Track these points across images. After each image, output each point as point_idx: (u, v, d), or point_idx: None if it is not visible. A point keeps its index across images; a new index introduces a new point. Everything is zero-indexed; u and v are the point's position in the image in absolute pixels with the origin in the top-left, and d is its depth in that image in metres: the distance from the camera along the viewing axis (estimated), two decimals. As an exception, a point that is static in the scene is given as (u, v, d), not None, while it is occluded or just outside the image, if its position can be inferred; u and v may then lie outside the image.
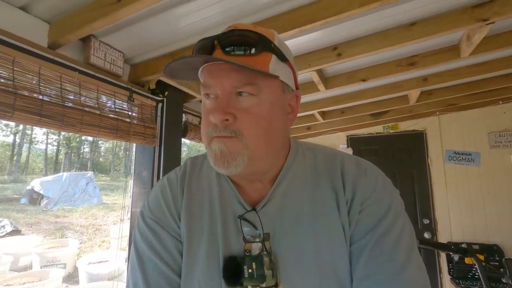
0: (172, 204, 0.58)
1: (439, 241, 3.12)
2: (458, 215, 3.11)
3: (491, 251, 2.92)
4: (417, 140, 3.41)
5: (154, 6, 1.16)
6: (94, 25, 1.14)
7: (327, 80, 2.10)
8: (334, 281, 0.48)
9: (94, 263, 4.17)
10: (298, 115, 2.35)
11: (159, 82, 1.74)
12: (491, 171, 3.08)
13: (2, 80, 0.98)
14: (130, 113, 1.51)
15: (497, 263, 2.84)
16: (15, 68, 1.02)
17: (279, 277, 0.50)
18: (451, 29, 1.41)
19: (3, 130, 23.31)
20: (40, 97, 1.08)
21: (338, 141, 3.69)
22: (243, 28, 0.51)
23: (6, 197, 10.43)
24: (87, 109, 1.26)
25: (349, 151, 3.10)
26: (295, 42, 1.56)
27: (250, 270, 0.50)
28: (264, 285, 0.50)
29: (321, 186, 0.55)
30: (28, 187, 9.89)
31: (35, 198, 9.27)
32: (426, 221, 3.22)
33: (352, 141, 3.68)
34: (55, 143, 26.98)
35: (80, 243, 5.52)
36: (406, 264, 0.47)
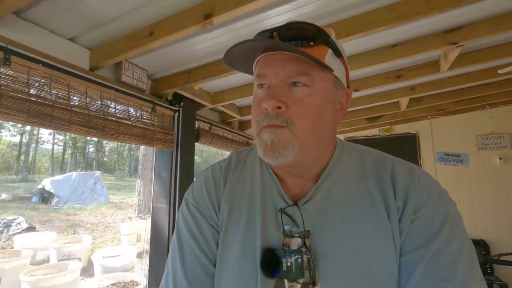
0: (214, 194, 0.60)
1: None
2: (448, 212, 3.35)
3: (477, 246, 3.15)
4: (410, 142, 3.65)
5: (178, 37, 1.42)
6: (129, 53, 1.40)
7: (324, 90, 2.35)
8: (374, 285, 0.46)
9: (108, 257, 4.46)
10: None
11: (175, 94, 2.01)
12: (479, 171, 3.31)
13: (61, 100, 1.24)
14: (153, 122, 1.77)
15: (484, 256, 3.08)
16: (70, 90, 1.28)
17: (317, 274, 0.48)
18: (428, 50, 1.66)
19: (9, 131, 23.78)
20: (87, 112, 1.35)
21: (336, 143, 3.93)
22: (301, 21, 0.52)
23: (18, 196, 10.80)
24: (120, 120, 1.52)
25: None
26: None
27: (288, 264, 0.49)
28: (301, 280, 0.48)
29: (368, 187, 0.53)
30: (39, 186, 10.26)
31: (46, 197, 9.63)
32: (418, 218, 3.45)
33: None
34: (61, 143, 27.44)
35: (92, 239, 5.82)
36: (466, 285, 0.43)
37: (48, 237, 5.56)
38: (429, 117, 3.48)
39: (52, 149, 26.27)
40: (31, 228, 6.35)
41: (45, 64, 1.20)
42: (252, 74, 0.56)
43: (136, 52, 1.40)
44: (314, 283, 0.47)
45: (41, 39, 1.25)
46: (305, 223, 0.51)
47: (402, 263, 0.47)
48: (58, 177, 10.94)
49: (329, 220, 0.51)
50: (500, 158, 3.20)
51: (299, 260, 0.49)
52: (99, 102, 1.44)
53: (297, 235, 0.51)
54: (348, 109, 2.84)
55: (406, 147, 3.66)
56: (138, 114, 1.67)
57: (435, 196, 0.50)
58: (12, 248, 5.21)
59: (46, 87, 1.20)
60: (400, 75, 2.12)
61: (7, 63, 1.06)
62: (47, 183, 9.87)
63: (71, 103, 1.27)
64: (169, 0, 1.21)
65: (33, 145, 26.46)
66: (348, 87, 0.58)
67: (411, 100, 2.84)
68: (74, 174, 10.47)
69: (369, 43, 1.72)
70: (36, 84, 1.18)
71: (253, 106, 0.54)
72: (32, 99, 1.12)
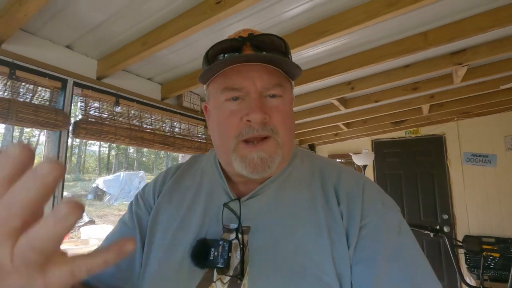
0: (158, 184, 0.64)
1: (458, 234, 3.49)
2: (475, 211, 3.45)
3: (506, 243, 3.23)
4: (437, 143, 3.77)
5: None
6: (189, 88, 1.86)
7: (346, 102, 2.66)
8: (304, 285, 0.45)
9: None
10: (325, 125, 2.95)
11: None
12: (507, 171, 3.37)
13: (147, 126, 1.73)
14: (205, 135, 2.23)
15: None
16: (152, 118, 1.77)
17: (246, 269, 0.48)
18: (436, 70, 1.92)
19: (64, 135, 26.47)
20: (163, 133, 1.83)
21: (363, 145, 4.15)
22: (262, 33, 0.54)
23: (75, 193, 12.27)
24: (183, 137, 1.99)
25: (371, 155, 3.55)
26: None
27: (215, 254, 0.49)
28: (230, 273, 0.48)
29: (313, 191, 0.54)
30: (94, 185, 11.59)
31: (99, 195, 10.88)
32: (445, 216, 3.59)
33: (376, 145, 4.13)
34: (106, 145, 29.95)
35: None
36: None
37: (107, 229, 6.43)
38: (456, 119, 3.58)
39: (99, 150, 28.77)
40: (91, 222, 7.33)
41: (138, 102, 1.70)
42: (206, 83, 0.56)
43: (195, 87, 1.85)
44: (241, 278, 0.47)
45: (134, 83, 1.76)
46: (246, 219, 0.52)
47: (354, 271, 0.46)
48: (109, 176, 12.24)
49: (271, 219, 0.52)
50: (530, 158, 3.24)
51: (227, 251, 0.49)
52: (169, 124, 1.92)
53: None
54: (373, 116, 3.12)
55: (432, 148, 3.79)
56: (195, 130, 2.13)
57: (379, 203, 0.51)
58: (80, 238, 6.12)
59: (137, 118, 1.70)
60: (416, 87, 2.36)
61: (117, 104, 1.57)
62: (100, 182, 11.13)
63: (152, 127, 1.76)
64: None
65: (83, 147, 29.20)
66: None
67: (433, 105, 3.02)
68: (122, 174, 11.66)
69: (385, 65, 2.01)
70: (132, 115, 1.68)
71: (222, 119, 0.52)
72: (132, 128, 1.62)
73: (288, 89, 0.55)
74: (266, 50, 0.52)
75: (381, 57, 1.66)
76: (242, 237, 0.50)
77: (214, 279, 0.49)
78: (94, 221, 7.45)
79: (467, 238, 1.79)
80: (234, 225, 0.52)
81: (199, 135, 2.16)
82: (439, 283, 0.46)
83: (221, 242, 0.50)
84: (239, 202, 0.54)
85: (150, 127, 1.75)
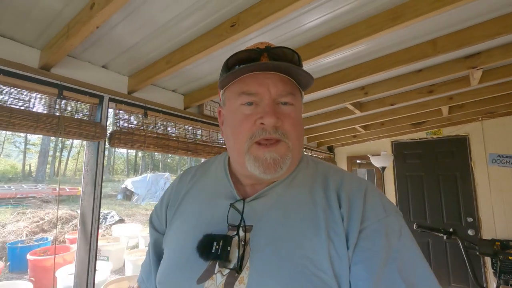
0: (176, 186, 0.72)
1: (483, 237, 3.38)
2: (502, 214, 3.32)
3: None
4: (460, 144, 3.66)
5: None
6: (210, 98, 2.01)
7: (362, 106, 2.70)
8: (301, 284, 0.47)
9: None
10: (342, 128, 3.00)
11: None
12: (537, 173, 3.22)
13: (171, 134, 1.91)
14: (224, 141, 2.38)
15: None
16: (176, 127, 1.95)
17: (248, 264, 0.51)
18: (450, 73, 1.93)
19: (95, 138, 28.05)
20: (186, 140, 2.00)
21: (382, 147, 4.12)
22: (276, 46, 0.58)
23: (107, 193, 13.03)
24: (204, 143, 2.15)
25: (390, 157, 3.54)
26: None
27: (217, 247, 0.53)
28: (230, 266, 0.52)
29: (315, 195, 0.56)
30: (123, 186, 12.28)
31: (128, 195, 11.50)
32: (470, 220, 3.49)
33: (396, 146, 4.09)
34: (133, 148, 31.35)
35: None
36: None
37: (136, 227, 6.82)
38: (480, 119, 3.47)
39: (127, 153, 30.16)
40: (121, 220, 7.79)
41: (164, 112, 1.88)
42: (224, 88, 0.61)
43: (215, 97, 2.01)
44: (239, 271, 0.50)
45: (160, 95, 1.95)
46: (249, 219, 0.56)
47: (353, 272, 0.48)
48: (136, 178, 12.89)
49: (273, 219, 0.55)
50: None
51: (226, 245, 0.53)
52: (192, 131, 2.09)
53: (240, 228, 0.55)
54: (390, 118, 3.11)
55: (455, 149, 3.69)
56: (215, 136, 2.29)
57: (380, 207, 0.53)
58: (111, 235, 6.55)
59: (163, 126, 1.88)
60: (432, 90, 2.36)
61: (146, 115, 1.75)
62: (128, 183, 11.76)
63: (176, 135, 1.93)
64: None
65: (112, 149, 30.78)
66: None
67: (453, 106, 2.97)
68: (148, 175, 12.23)
69: (397, 70, 2.05)
70: (159, 124, 1.86)
71: (237, 122, 0.56)
72: (159, 136, 1.80)
73: (299, 99, 0.59)
74: (282, 61, 0.55)
75: (391, 65, 1.72)
76: (245, 234, 0.54)
77: (215, 271, 0.52)
78: (124, 220, 7.92)
79: (481, 241, 1.79)
80: (238, 220, 0.56)
81: (219, 141, 2.32)
82: (439, 287, 0.46)
83: (222, 237, 0.54)
84: (243, 202, 0.58)
85: (174, 134, 1.93)
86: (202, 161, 0.80)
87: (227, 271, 0.52)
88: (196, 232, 0.58)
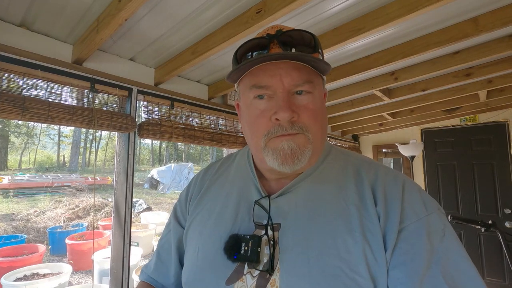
0: (199, 181, 0.71)
1: (523, 230, 3.18)
2: (546, 206, 3.09)
3: None
4: (498, 131, 3.42)
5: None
6: (234, 88, 2.00)
7: (391, 92, 2.58)
8: (334, 285, 0.45)
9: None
10: (369, 116, 2.89)
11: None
12: None
13: (196, 124, 1.93)
14: (248, 131, 2.38)
15: None
16: (201, 117, 1.97)
17: (278, 265, 0.49)
18: (491, 55, 1.78)
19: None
20: (211, 130, 2.02)
21: (411, 135, 3.94)
22: (290, 29, 0.53)
23: (135, 182, 13.58)
24: (229, 133, 2.16)
25: (420, 146, 3.38)
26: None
27: (246, 248, 0.51)
28: (260, 267, 0.50)
29: (346, 191, 0.53)
30: (149, 175, 12.78)
31: (154, 184, 11.97)
32: (507, 211, 3.28)
33: (427, 134, 3.89)
34: (158, 138, 32.41)
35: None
36: None
37: (163, 215, 7.10)
38: (522, 103, 3.21)
39: (152, 143, 31.24)
40: (148, 208, 8.14)
41: (189, 103, 1.90)
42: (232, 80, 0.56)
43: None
44: (271, 272, 0.48)
45: (185, 86, 1.97)
46: (276, 216, 0.53)
47: (391, 276, 0.45)
48: (161, 168, 13.35)
49: (301, 217, 0.52)
50: None
51: (256, 246, 0.50)
52: (216, 121, 2.10)
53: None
54: (421, 104, 2.96)
55: (492, 137, 3.45)
56: (239, 126, 2.30)
57: (420, 204, 0.49)
58: (140, 222, 6.87)
59: (189, 117, 1.91)
60: (469, 73, 2.19)
61: (172, 106, 1.78)
62: (154, 173, 12.22)
63: (202, 125, 1.95)
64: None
65: (138, 140, 32.02)
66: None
67: (493, 90, 2.76)
68: (173, 165, 12.61)
69: (431, 53, 1.92)
70: (184, 115, 1.89)
71: (252, 118, 0.53)
72: (186, 127, 1.83)
73: (319, 85, 0.54)
74: (294, 46, 0.51)
75: (425, 47, 1.61)
76: (273, 233, 0.52)
77: (245, 272, 0.51)
78: (151, 207, 8.27)
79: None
80: (265, 222, 0.53)
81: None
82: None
83: (251, 238, 0.52)
84: (269, 199, 0.55)
85: (200, 125, 1.95)
86: (224, 154, 0.84)
87: (257, 272, 0.50)
88: (221, 231, 0.56)
